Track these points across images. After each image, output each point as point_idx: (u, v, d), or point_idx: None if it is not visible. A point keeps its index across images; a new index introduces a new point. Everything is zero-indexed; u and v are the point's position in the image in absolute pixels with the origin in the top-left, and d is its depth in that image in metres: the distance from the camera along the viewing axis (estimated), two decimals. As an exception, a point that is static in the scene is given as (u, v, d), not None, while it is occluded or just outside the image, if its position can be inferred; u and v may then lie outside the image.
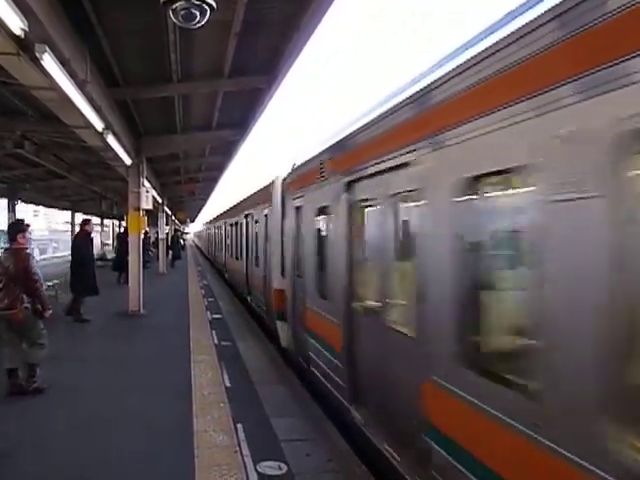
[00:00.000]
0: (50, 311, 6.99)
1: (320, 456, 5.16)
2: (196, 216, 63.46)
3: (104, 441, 5.47)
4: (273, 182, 10.18)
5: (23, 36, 5.39)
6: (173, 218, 43.76)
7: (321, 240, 7.00)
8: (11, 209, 22.95)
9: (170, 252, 30.20)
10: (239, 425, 5.84)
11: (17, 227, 7.06)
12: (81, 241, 12.70)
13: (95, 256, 14.45)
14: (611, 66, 2.11)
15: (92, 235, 13.13)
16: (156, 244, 29.90)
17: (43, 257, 37.79)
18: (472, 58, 3.23)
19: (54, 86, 6.86)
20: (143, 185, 13.79)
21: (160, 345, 9.98)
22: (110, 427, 5.83)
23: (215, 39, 8.32)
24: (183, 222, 60.84)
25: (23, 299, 6.68)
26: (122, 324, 11.85)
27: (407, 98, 4.20)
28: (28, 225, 7.44)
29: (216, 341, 10.26)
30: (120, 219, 35.56)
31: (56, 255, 42.04)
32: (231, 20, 7.46)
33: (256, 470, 4.79)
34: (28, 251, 7.01)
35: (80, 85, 7.48)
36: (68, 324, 11.39)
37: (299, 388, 7.57)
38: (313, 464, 4.99)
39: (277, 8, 7.52)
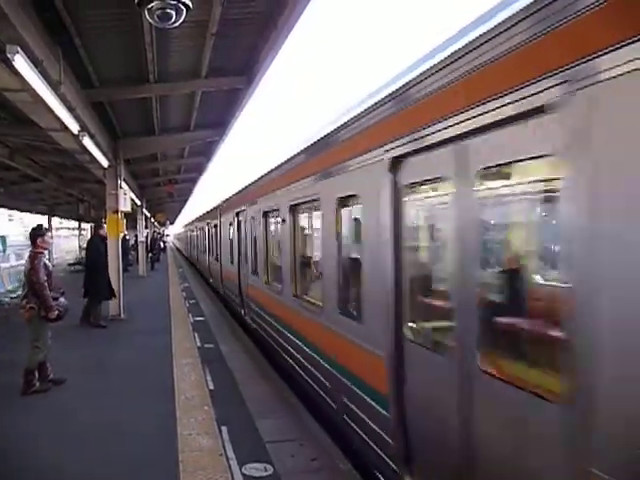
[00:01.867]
0: (55, 313, 7.13)
1: (305, 456, 5.16)
2: (176, 218, 62.90)
3: (86, 446, 5.40)
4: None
5: (-6, 37, 5.28)
6: (152, 220, 43.32)
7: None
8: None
9: (150, 255, 29.90)
10: (224, 427, 5.82)
11: (36, 232, 7.50)
12: (94, 245, 12.58)
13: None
14: None
15: (106, 239, 12.95)
16: (135, 247, 29.56)
17: (19, 263, 37.05)
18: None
19: (27, 87, 6.72)
20: (121, 187, 13.61)
21: (142, 349, 9.87)
22: (92, 432, 5.76)
23: (192, 39, 8.26)
24: (163, 224, 60.27)
25: (31, 300, 7.08)
26: (102, 329, 11.68)
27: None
28: (47, 229, 7.99)
29: (199, 344, 10.19)
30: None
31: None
32: (207, 20, 7.41)
33: (241, 472, 4.77)
34: (41, 254, 7.33)
35: (54, 86, 7.34)
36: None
37: (283, 387, 7.55)
38: (298, 464, 4.99)
39: (253, 7, 7.49)
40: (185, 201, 41.44)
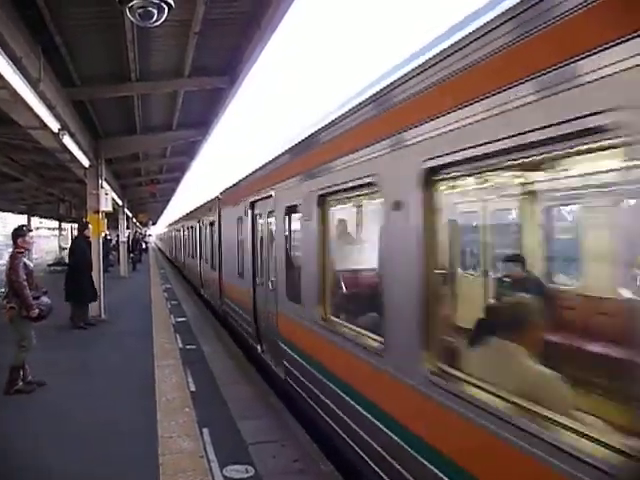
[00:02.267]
0: (36, 311, 7.09)
1: (287, 457, 5.15)
2: (158, 218, 62.39)
3: (66, 448, 5.32)
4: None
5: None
6: (134, 220, 42.90)
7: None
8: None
9: (132, 255, 29.62)
10: (205, 429, 5.77)
11: (18, 232, 7.56)
12: (78, 247, 12.34)
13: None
14: None
15: (90, 240, 12.65)
16: (117, 247, 29.25)
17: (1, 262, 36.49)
18: None
19: (5, 85, 6.62)
20: (102, 187, 13.47)
21: (122, 351, 9.76)
22: (72, 434, 5.68)
23: (174, 38, 8.22)
24: (145, 224, 59.74)
25: (11, 299, 7.09)
26: (83, 330, 11.54)
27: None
28: (30, 230, 8.03)
29: (180, 345, 10.11)
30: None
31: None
32: (190, 19, 7.37)
33: (222, 474, 4.74)
34: (21, 254, 7.34)
35: (33, 84, 7.25)
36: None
37: (265, 388, 7.52)
38: (280, 465, 4.97)
39: (236, 7, 7.47)
40: (168, 201, 41.14)
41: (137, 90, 10.35)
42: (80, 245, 12.38)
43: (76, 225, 40.17)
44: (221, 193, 12.92)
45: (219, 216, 13.13)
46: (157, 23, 5.76)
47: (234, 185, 11.08)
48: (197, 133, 14.67)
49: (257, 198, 8.51)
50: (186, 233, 24.88)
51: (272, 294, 7.53)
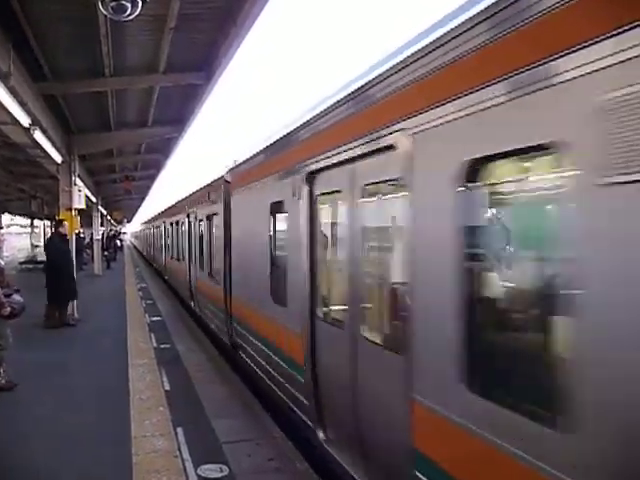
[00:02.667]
0: (7, 309, 6.91)
1: (262, 456, 5.13)
2: (133, 216, 61.64)
3: (38, 449, 5.22)
4: None
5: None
6: (109, 218, 42.30)
7: None
8: None
9: (106, 253, 29.19)
10: (179, 429, 5.72)
11: None
12: (54, 245, 12.03)
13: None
14: None
15: (67, 236, 12.28)
16: (91, 245, 28.79)
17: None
18: None
19: (-27, 78, 6.47)
20: (75, 184, 13.24)
21: (96, 350, 9.61)
22: (44, 435, 5.57)
23: (149, 33, 8.10)
24: (120, 222, 58.95)
25: None
26: (55, 329, 11.31)
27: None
28: (0, 227, 7.69)
29: (155, 344, 10.00)
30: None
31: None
32: (165, 14, 7.28)
33: (196, 474, 4.71)
34: None
35: (2, 78, 7.09)
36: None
37: (240, 387, 7.49)
38: (254, 464, 4.95)
39: (213, 3, 7.40)
40: (143, 198, 40.66)
41: (111, 85, 10.19)
42: (56, 243, 12.08)
43: (49, 222, 39.53)
44: (230, 171, 9.10)
45: (226, 206, 9.16)
46: (131, 17, 5.68)
47: (244, 163, 8.12)
48: (173, 130, 14.52)
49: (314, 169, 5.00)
50: (169, 231, 20.50)
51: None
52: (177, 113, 13.13)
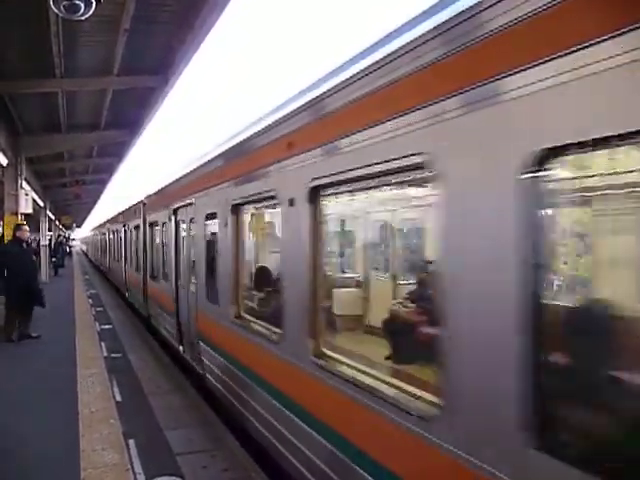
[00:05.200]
0: None
1: (217, 467, 5.04)
2: (84, 221, 59.93)
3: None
4: None
5: None
6: (57, 223, 40.89)
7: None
8: None
9: (53, 259, 28.20)
10: (131, 441, 5.55)
11: None
12: (9, 252, 11.04)
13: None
14: None
15: (28, 241, 11.57)
16: (37, 251, 27.75)
17: None
18: None
19: None
20: (22, 187, 12.77)
21: (43, 361, 9.22)
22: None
23: (103, 34, 7.94)
24: (68, 227, 57.16)
25: None
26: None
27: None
28: None
29: (105, 353, 9.70)
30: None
31: None
32: (120, 16, 7.15)
33: (149, 487, 4.58)
34: None
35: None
36: None
37: (194, 396, 7.35)
38: (210, 475, 4.86)
39: (169, 7, 7.31)
40: (94, 202, 39.55)
41: (62, 86, 9.91)
42: (11, 250, 11.18)
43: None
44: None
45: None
46: (84, 17, 5.54)
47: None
48: (127, 133, 14.23)
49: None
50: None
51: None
52: (132, 116, 12.90)
